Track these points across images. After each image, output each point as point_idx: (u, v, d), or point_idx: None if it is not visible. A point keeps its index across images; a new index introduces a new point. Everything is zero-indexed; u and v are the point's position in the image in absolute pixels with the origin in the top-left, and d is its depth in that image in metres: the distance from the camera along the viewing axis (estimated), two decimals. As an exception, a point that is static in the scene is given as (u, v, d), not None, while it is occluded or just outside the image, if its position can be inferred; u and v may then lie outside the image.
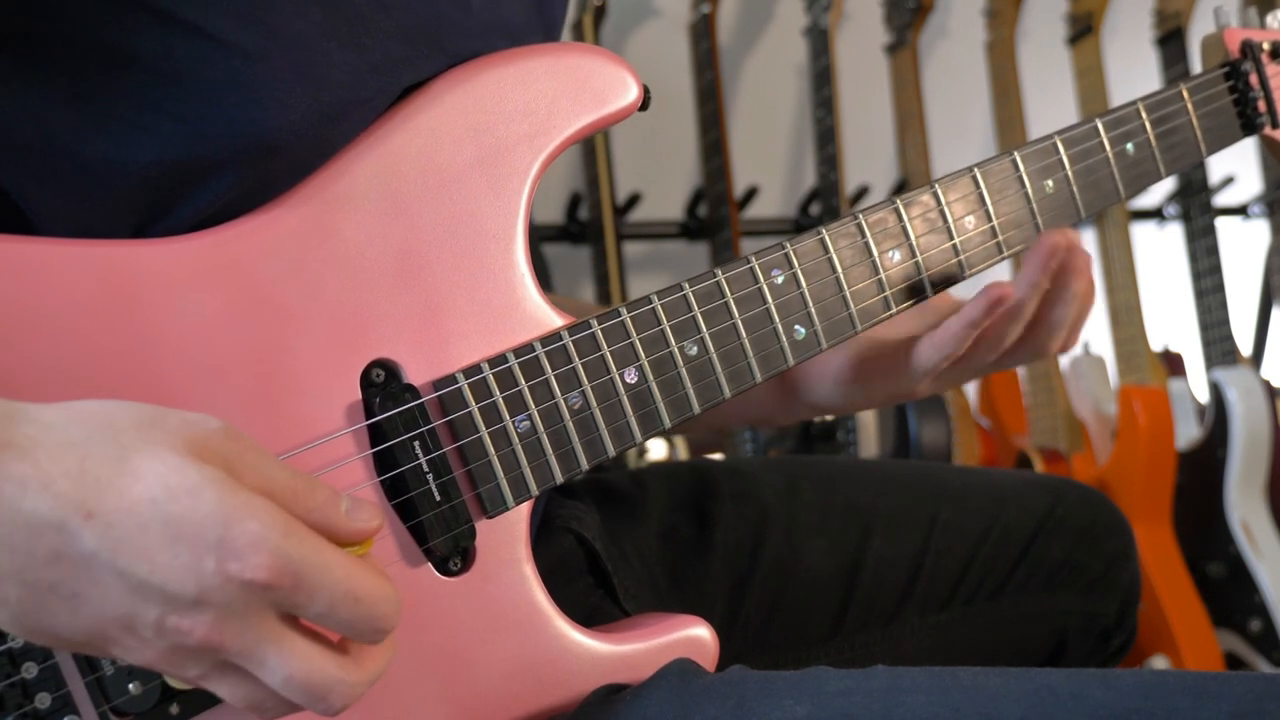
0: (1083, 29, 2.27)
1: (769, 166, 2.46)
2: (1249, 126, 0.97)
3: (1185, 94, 0.93)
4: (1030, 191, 0.86)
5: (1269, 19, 1.00)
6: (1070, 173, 0.87)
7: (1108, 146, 0.89)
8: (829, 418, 2.00)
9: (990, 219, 0.85)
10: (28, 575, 0.51)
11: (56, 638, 0.53)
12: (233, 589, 0.52)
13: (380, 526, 0.58)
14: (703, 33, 2.16)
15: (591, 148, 2.08)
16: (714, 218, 2.13)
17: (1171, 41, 2.22)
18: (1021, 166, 0.86)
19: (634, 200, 2.14)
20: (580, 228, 2.15)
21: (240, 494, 0.52)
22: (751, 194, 2.20)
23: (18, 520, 0.50)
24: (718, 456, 2.02)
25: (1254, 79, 0.97)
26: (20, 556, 0.51)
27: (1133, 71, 2.39)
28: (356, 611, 0.55)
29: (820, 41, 2.19)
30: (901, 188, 2.31)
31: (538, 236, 2.06)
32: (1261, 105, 0.97)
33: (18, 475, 0.50)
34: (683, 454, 1.92)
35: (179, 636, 0.52)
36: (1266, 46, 0.97)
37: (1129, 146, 0.90)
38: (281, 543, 0.52)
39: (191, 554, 0.51)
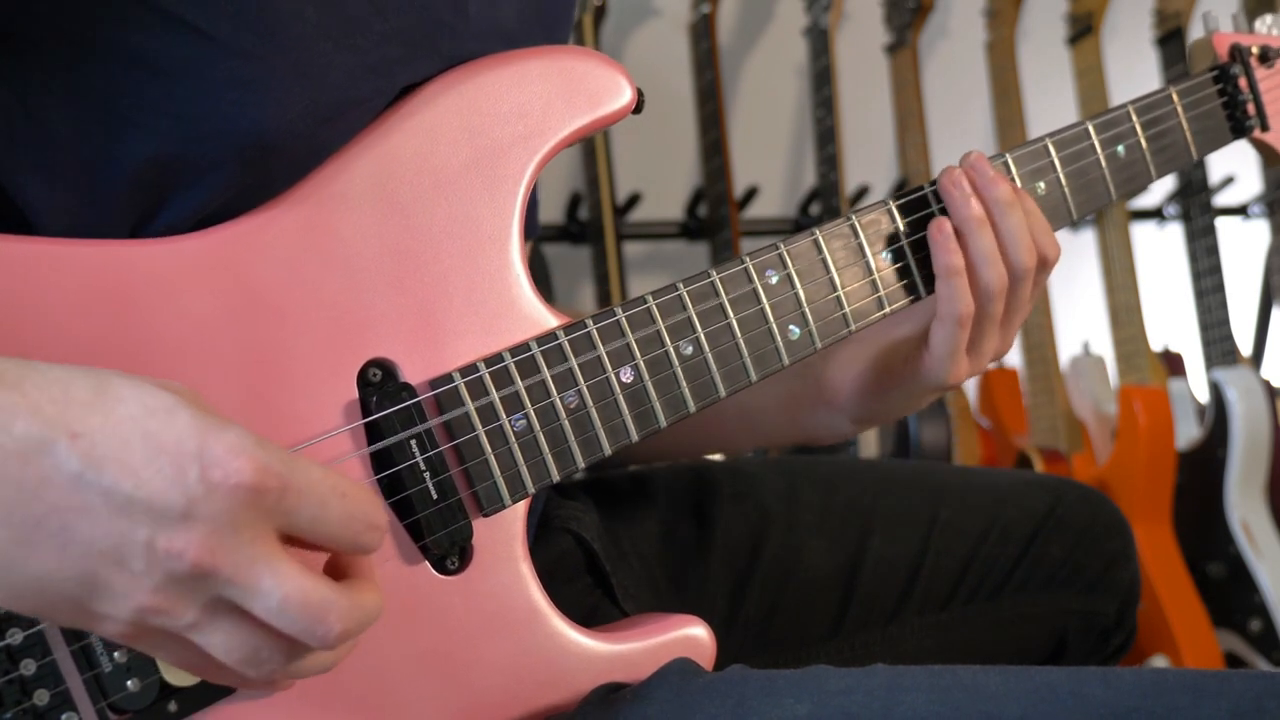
0: (1083, 29, 2.27)
1: (769, 166, 2.46)
2: (1239, 130, 0.97)
3: (1175, 97, 0.94)
4: (1023, 193, 0.86)
5: (1257, 23, 1.01)
6: (1062, 175, 0.88)
7: (1099, 149, 0.89)
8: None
9: (985, 219, 0.85)
10: (16, 511, 0.51)
11: (43, 590, 0.53)
12: (219, 497, 0.52)
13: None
14: (703, 33, 2.16)
15: (591, 148, 2.07)
16: (714, 218, 2.13)
17: (1171, 41, 2.22)
18: (1013, 169, 0.86)
19: (634, 200, 2.14)
20: (580, 228, 2.15)
21: (213, 414, 0.54)
22: (751, 194, 2.20)
23: (8, 446, 0.51)
24: (718, 457, 2.02)
25: (1243, 83, 0.97)
26: (9, 488, 0.51)
27: (1133, 72, 2.38)
28: (346, 507, 0.56)
29: (820, 41, 2.19)
30: (901, 188, 2.31)
31: (537, 236, 2.05)
32: (1251, 109, 0.97)
33: (7, 404, 0.52)
34: (683, 454, 1.92)
35: (170, 560, 0.52)
36: (1255, 50, 0.98)
37: (1120, 149, 0.90)
38: (258, 449, 0.54)
39: (174, 466, 0.52)
